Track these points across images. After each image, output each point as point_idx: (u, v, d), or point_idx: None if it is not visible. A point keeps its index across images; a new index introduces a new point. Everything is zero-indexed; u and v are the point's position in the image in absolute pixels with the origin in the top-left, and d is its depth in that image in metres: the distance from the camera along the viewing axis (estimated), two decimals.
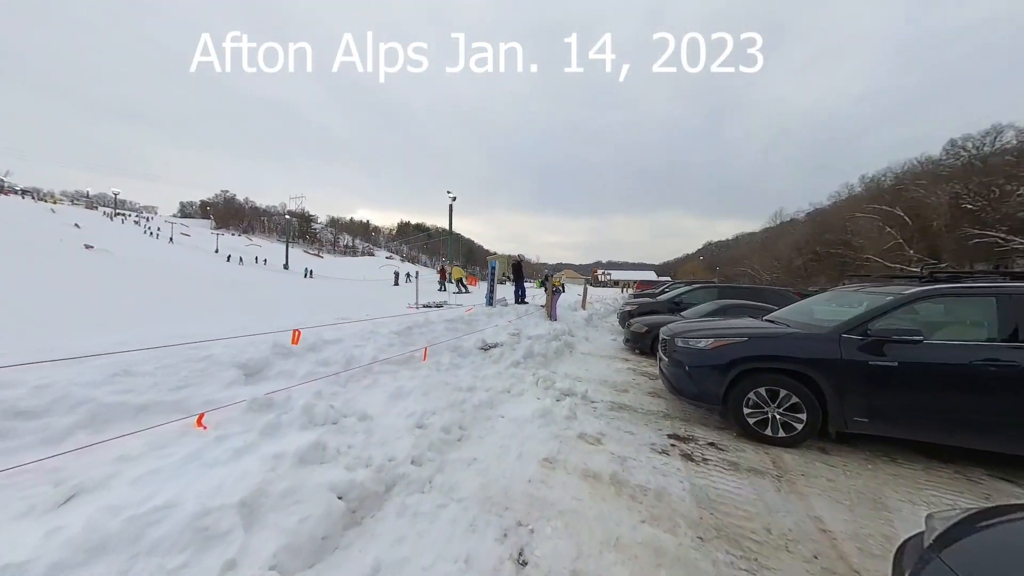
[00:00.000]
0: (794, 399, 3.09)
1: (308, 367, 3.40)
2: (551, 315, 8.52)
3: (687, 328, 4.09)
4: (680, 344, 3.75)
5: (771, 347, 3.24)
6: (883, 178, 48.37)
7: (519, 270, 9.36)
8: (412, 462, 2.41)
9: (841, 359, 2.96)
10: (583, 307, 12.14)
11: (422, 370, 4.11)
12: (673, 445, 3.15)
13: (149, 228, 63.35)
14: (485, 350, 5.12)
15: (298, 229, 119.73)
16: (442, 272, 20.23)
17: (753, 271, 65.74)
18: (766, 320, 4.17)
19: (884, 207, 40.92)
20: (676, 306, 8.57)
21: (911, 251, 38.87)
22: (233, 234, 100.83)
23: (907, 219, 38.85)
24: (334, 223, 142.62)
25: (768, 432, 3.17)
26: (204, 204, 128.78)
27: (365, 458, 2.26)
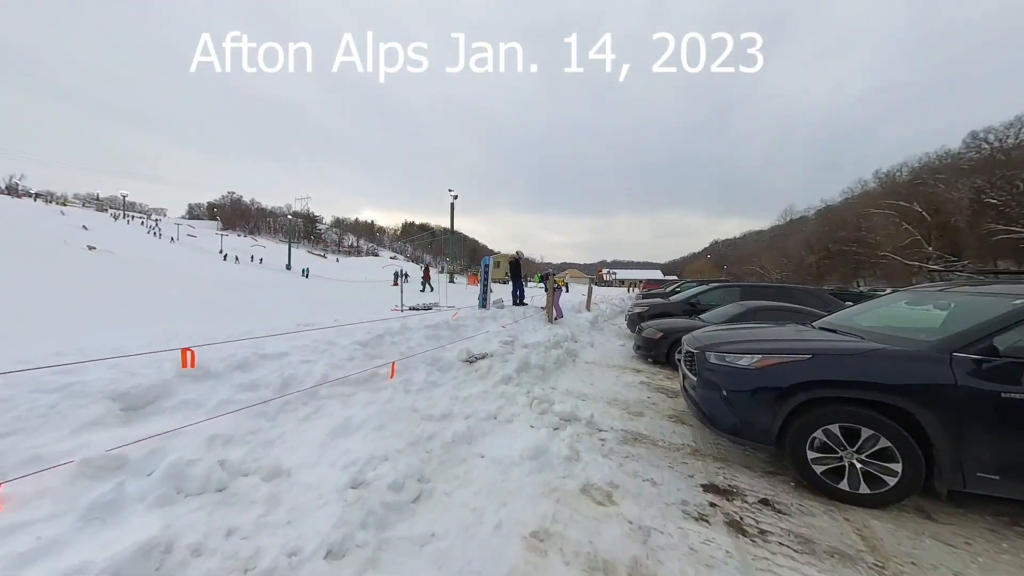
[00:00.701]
0: (883, 442, 2.22)
1: (225, 393, 2.59)
2: (552, 317, 7.68)
3: (720, 338, 3.22)
4: (714, 360, 2.89)
5: (848, 368, 2.36)
6: (898, 173, 46.72)
7: (517, 269, 8.56)
8: (328, 554, 1.59)
9: (955, 387, 2.09)
10: (588, 308, 11.27)
11: (385, 391, 3.29)
12: (713, 504, 2.30)
13: (154, 229, 63.55)
14: (470, 362, 4.30)
15: (303, 230, 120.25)
16: (426, 271, 18.84)
17: (762, 269, 64.19)
18: (821, 328, 3.29)
19: (901, 202, 39.42)
20: (692, 307, 7.67)
21: (930, 248, 37.37)
22: (239, 235, 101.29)
23: (925, 215, 37.35)
24: (339, 224, 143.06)
25: (844, 486, 2.30)
26: (211, 206, 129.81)
27: (247, 557, 1.44)
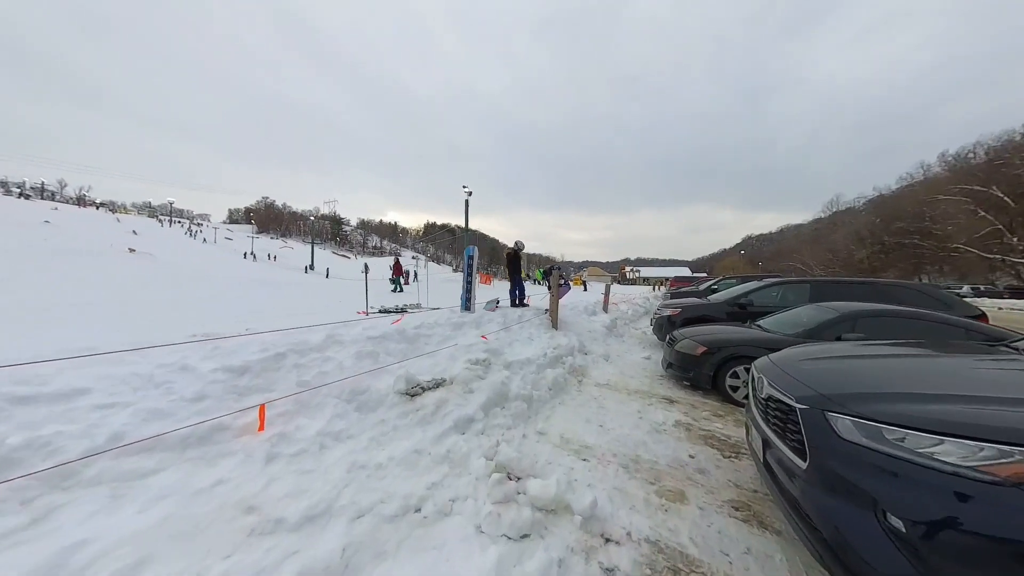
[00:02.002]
0: None
1: None
2: (556, 320, 6.13)
3: (859, 377, 1.61)
4: (862, 438, 1.30)
5: None
6: (971, 154, 41.03)
7: (516, 263, 7.06)
8: None
9: None
10: (605, 310, 9.58)
11: (228, 461, 1.92)
12: None
13: (193, 232, 67.74)
14: (412, 396, 2.86)
15: (330, 231, 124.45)
16: (396, 266, 15.09)
17: (804, 265, 58.89)
18: None
19: (976, 187, 34.39)
20: (742, 310, 5.87)
21: (1014, 238, 32.32)
22: (272, 237, 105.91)
23: (1008, 200, 32.29)
24: (364, 225, 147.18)
25: None
26: (247, 211, 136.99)
27: None
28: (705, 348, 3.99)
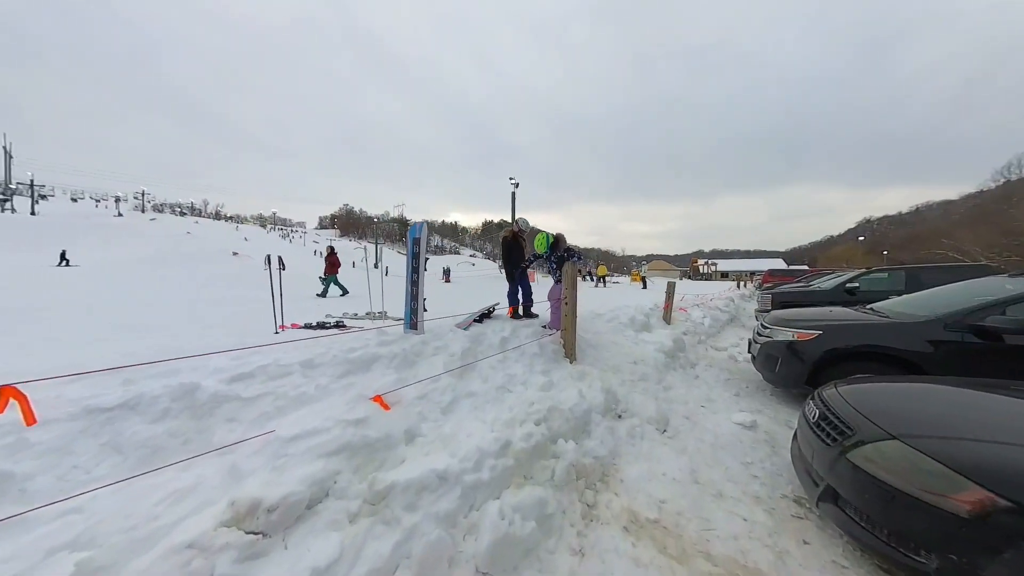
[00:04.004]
0: None
1: None
2: (572, 351, 3.60)
3: None
4: None
5: None
6: None
7: (517, 250, 4.61)
8: None
9: None
10: (666, 320, 6.56)
11: None
12: None
13: (289, 237, 79.37)
14: None
15: (398, 232, 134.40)
16: (330, 257, 9.81)
17: (959, 254, 44.58)
18: None
19: None
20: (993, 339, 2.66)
21: None
22: (350, 240, 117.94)
23: None
24: (428, 226, 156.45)
25: None
26: (332, 217, 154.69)
27: None
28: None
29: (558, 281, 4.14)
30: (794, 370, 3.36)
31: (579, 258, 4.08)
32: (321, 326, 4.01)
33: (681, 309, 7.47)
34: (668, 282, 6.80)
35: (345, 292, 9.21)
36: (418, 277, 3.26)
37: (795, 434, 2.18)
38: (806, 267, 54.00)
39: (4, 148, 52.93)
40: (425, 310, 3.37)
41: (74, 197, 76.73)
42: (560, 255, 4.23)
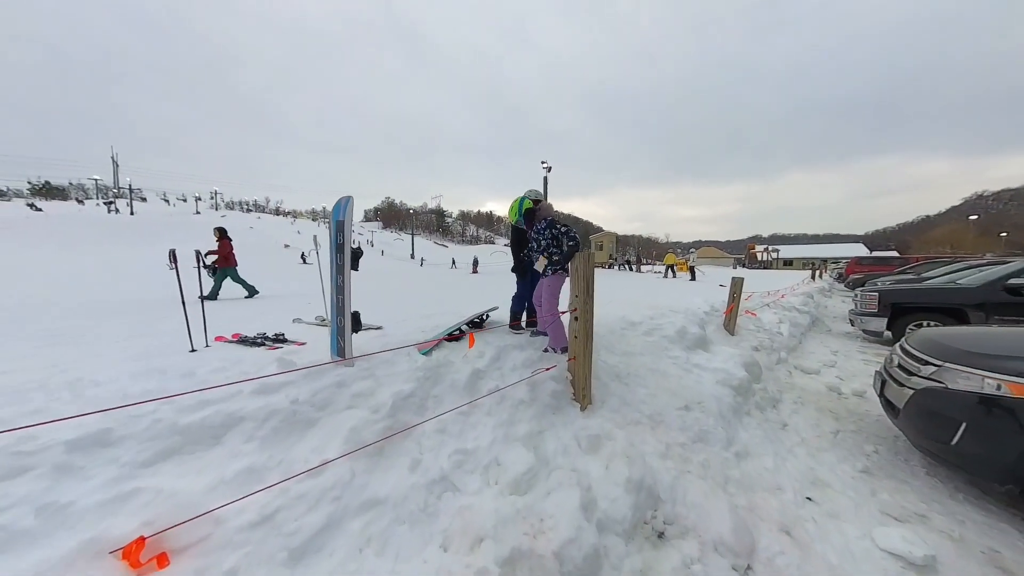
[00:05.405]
0: None
1: None
2: (586, 392, 2.32)
3: None
4: None
5: None
6: None
7: (519, 239, 3.39)
8: None
9: None
10: (729, 327, 4.92)
11: None
12: None
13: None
14: None
15: (435, 223, 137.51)
16: (222, 246, 7.04)
17: None
18: None
19: None
20: None
21: None
22: (390, 231, 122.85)
23: None
24: (464, 216, 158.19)
25: None
26: (375, 210, 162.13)
27: None
28: None
29: (546, 272, 2.84)
30: (1003, 453, 1.80)
31: (572, 238, 2.71)
32: (257, 341, 3.10)
33: (749, 313, 5.72)
34: (732, 278, 5.11)
35: (253, 293, 6.97)
36: (344, 278, 2.16)
37: None
38: (895, 253, 45.82)
39: (112, 158, 61.42)
40: (347, 330, 2.24)
41: (164, 199, 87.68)
42: (548, 231, 2.89)
